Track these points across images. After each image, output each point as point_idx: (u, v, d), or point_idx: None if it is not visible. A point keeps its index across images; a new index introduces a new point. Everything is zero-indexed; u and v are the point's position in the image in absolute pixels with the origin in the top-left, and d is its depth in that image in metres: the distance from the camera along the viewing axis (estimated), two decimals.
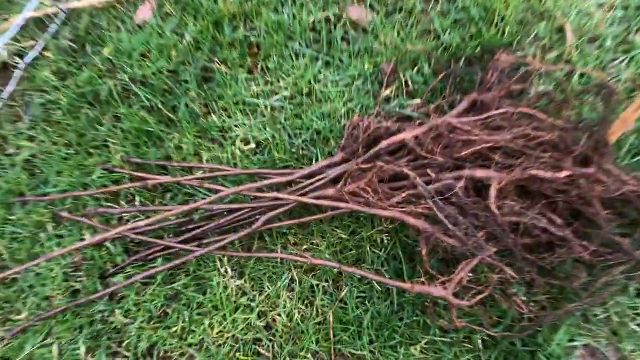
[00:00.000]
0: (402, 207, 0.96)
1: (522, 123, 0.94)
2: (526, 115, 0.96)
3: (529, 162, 0.89)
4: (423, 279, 0.94)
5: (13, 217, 1.08)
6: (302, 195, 0.99)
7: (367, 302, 1.05)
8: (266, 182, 0.98)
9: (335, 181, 1.04)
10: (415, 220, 0.95)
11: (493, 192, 0.86)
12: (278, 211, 1.03)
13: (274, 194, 1.01)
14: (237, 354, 1.02)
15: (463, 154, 0.90)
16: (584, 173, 0.86)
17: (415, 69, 1.15)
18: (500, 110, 0.94)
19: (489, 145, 0.90)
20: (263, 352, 1.03)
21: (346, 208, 0.99)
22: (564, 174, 0.90)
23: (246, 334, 1.03)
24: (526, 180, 0.88)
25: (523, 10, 1.18)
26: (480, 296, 0.97)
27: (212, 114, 1.14)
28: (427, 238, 0.96)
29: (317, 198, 1.01)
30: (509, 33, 1.15)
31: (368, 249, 1.06)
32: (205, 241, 1.04)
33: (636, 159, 1.10)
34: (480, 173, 0.89)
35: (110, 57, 1.16)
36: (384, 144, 0.97)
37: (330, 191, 1.02)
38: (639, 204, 0.95)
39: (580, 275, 0.99)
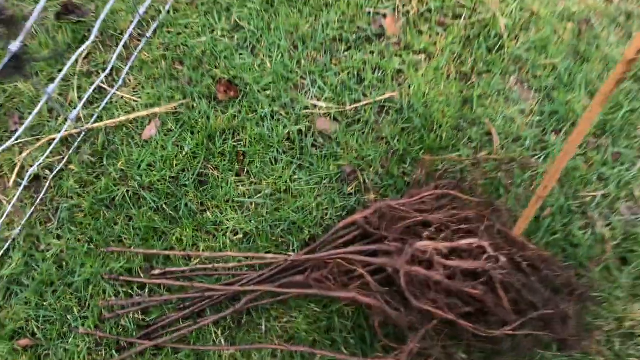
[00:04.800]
0: (357, 289, 1.34)
1: (446, 203, 1.35)
2: (449, 196, 1.36)
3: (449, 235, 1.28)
4: (380, 346, 1.29)
5: (45, 303, 1.44)
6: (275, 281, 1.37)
7: None
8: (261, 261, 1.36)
9: (304, 270, 1.42)
10: (366, 299, 1.31)
11: (403, 279, 1.23)
12: (256, 294, 1.40)
13: (253, 287, 1.39)
14: None
15: (398, 226, 1.29)
16: (468, 244, 1.24)
17: (371, 169, 1.54)
18: (428, 192, 1.34)
19: (419, 219, 1.29)
20: None
21: (312, 293, 1.36)
22: (443, 244, 1.29)
23: None
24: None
25: (457, 118, 1.59)
26: None
27: (207, 211, 1.52)
28: (377, 312, 1.32)
29: (285, 285, 1.39)
30: (446, 138, 1.56)
31: (337, 319, 1.42)
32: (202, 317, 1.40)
33: (553, 237, 1.48)
34: (377, 260, 1.28)
35: (123, 168, 1.55)
36: (340, 224, 1.36)
37: (298, 278, 1.40)
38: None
39: (504, 339, 1.34)
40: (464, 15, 1.71)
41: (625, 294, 1.45)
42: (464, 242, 1.32)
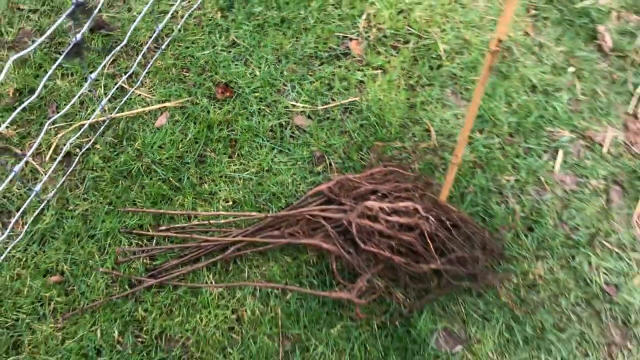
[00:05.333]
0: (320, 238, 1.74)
1: (391, 178, 1.76)
2: (394, 172, 1.78)
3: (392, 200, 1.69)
4: (337, 287, 1.68)
5: (72, 249, 1.80)
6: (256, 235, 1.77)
7: (303, 301, 1.77)
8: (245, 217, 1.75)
9: (280, 227, 1.81)
10: (327, 245, 1.71)
11: (354, 229, 1.64)
12: (241, 244, 1.79)
13: (239, 238, 1.78)
14: (218, 337, 1.72)
15: (353, 193, 1.70)
16: (405, 205, 1.64)
17: (336, 154, 1.96)
18: (378, 169, 1.76)
19: (370, 188, 1.71)
20: (235, 335, 1.73)
21: (285, 242, 1.75)
22: (386, 205, 1.68)
23: (224, 324, 1.74)
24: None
25: (404, 118, 2.03)
26: (373, 296, 1.72)
27: (205, 184, 1.92)
28: (335, 255, 1.72)
29: (266, 237, 1.78)
30: (394, 132, 1.99)
31: (304, 267, 1.80)
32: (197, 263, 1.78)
33: (475, 209, 1.89)
34: (335, 215, 1.68)
35: (139, 148, 1.95)
36: (309, 192, 1.76)
37: (275, 233, 1.79)
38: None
39: (432, 279, 1.73)
40: (412, 41, 2.18)
41: (530, 255, 1.86)
42: (402, 204, 1.73)
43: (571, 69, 2.17)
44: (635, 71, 2.16)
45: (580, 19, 2.26)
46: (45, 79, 1.54)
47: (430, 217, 1.71)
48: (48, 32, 1.39)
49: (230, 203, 1.89)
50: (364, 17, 2.21)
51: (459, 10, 2.24)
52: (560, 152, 2.02)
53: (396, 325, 1.74)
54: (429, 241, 1.69)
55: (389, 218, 1.70)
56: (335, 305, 1.76)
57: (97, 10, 1.63)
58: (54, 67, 1.57)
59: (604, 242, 1.90)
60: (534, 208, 1.93)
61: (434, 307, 1.78)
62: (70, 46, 1.42)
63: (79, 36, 1.41)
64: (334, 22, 2.20)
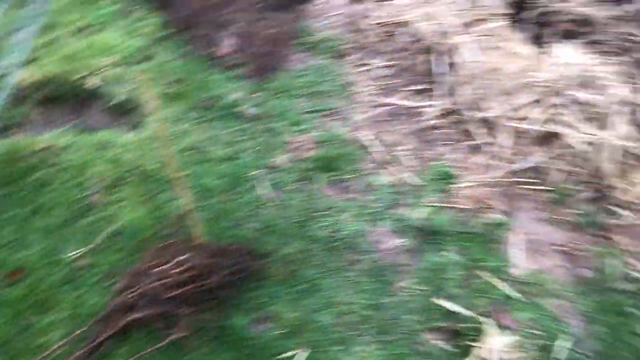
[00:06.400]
0: None
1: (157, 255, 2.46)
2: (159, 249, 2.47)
3: None
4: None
5: None
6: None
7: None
8: None
9: None
10: (137, 315, 2.29)
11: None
12: None
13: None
14: None
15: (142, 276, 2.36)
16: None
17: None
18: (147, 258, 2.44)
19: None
20: None
21: (105, 337, 2.30)
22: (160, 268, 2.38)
23: None
24: None
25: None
26: (197, 321, 2.33)
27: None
28: (151, 317, 2.31)
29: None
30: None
31: (136, 345, 2.33)
32: None
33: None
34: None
35: None
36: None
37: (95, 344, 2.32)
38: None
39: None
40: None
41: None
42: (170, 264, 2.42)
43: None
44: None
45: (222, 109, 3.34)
46: None
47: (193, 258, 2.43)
48: None
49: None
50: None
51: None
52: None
53: (223, 330, 2.35)
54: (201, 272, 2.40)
55: (168, 272, 2.37)
56: (176, 351, 2.30)
57: None
58: None
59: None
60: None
61: (239, 308, 2.43)
62: None
63: None
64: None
